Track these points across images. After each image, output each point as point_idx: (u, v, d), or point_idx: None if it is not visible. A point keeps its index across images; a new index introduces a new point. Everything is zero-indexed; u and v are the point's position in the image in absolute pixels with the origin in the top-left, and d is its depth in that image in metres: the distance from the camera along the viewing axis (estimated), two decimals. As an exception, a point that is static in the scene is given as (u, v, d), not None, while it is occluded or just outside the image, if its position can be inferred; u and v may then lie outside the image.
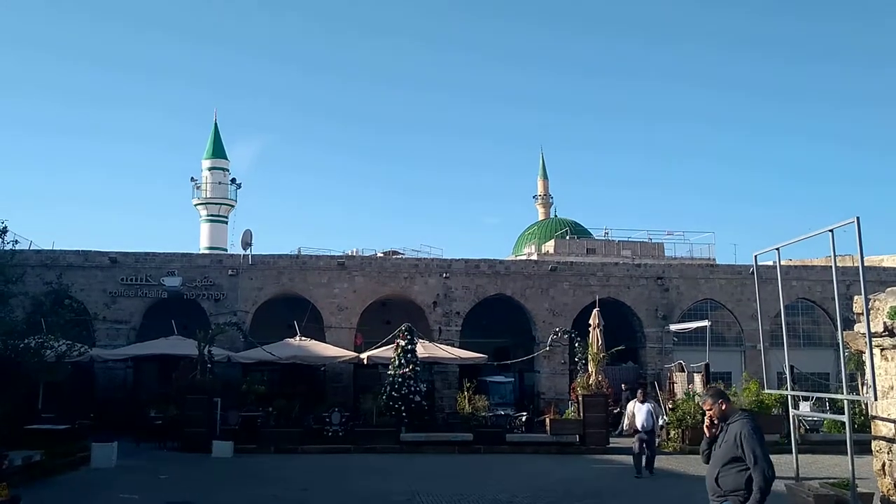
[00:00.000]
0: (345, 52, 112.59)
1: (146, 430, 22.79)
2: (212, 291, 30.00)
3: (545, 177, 64.28)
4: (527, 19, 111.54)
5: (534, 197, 64.25)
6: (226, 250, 46.27)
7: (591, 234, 47.93)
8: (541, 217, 60.49)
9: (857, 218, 8.65)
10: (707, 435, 6.53)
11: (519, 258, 43.25)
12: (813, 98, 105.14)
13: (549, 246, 44.61)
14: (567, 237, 45.53)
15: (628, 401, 20.11)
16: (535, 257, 42.26)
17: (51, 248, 30.26)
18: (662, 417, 20.66)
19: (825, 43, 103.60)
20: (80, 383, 25.51)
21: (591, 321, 24.21)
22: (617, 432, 22.99)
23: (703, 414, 6.65)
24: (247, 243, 31.63)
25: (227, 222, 52.54)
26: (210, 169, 52.14)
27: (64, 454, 17.27)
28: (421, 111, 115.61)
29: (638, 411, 17.58)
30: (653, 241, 44.95)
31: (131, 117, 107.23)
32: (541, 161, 64.99)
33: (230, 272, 30.19)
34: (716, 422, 6.49)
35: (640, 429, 17.25)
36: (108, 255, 29.92)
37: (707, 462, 6.53)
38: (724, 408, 6.49)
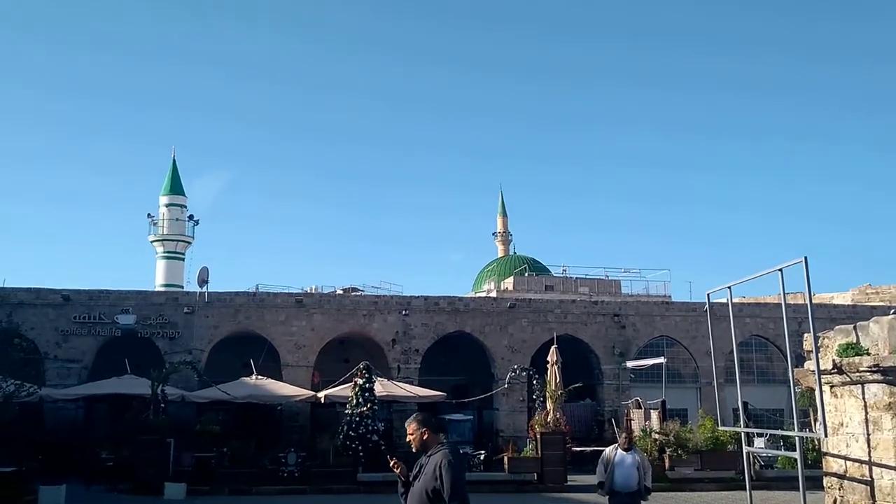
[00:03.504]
0: (305, 106, 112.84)
1: (97, 471, 22.21)
2: (167, 329, 29.53)
3: (504, 214, 64.84)
4: (482, 68, 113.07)
5: (493, 234, 64.71)
6: (182, 287, 45.63)
7: (549, 271, 48.28)
8: (500, 254, 60.81)
9: (805, 258, 8.85)
10: (398, 472, 6.11)
11: (478, 295, 43.37)
12: (771, 137, 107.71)
13: (508, 283, 44.83)
14: (525, 274, 45.80)
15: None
16: (494, 294, 42.41)
17: (1, 285, 29.63)
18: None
19: (781, 80, 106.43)
20: (28, 424, 24.81)
21: (549, 358, 24.31)
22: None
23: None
24: (203, 280, 31.26)
25: (183, 259, 51.88)
26: (167, 205, 51.56)
27: (10, 498, 16.74)
28: (384, 155, 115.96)
29: (619, 464, 11.96)
30: (609, 278, 45.47)
31: (87, 151, 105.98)
32: (500, 198, 65.63)
33: (186, 310, 29.77)
34: (415, 450, 6.09)
35: (617, 489, 11.85)
36: (60, 293, 29.34)
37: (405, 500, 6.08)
38: (425, 437, 6.04)
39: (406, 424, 6.17)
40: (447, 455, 5.86)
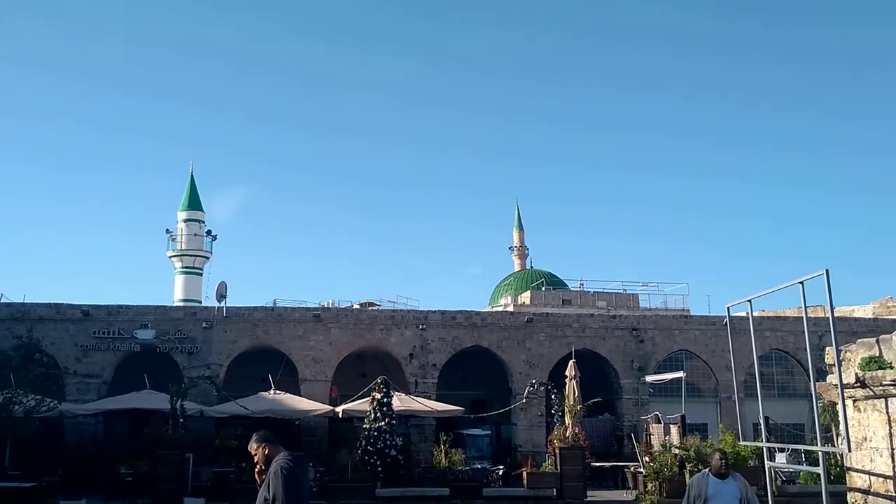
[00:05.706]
0: (322, 109, 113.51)
1: (116, 486, 22.28)
2: (185, 344, 29.68)
3: (521, 228, 64.83)
4: (502, 72, 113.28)
5: (510, 248, 64.67)
6: (200, 303, 45.92)
7: (566, 285, 48.18)
8: (517, 268, 60.75)
9: (827, 271, 8.75)
10: (259, 482, 6.12)
11: (495, 309, 43.31)
12: (790, 146, 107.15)
13: (526, 297, 44.74)
14: (543, 288, 45.70)
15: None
16: (511, 308, 42.34)
17: (22, 300, 29.88)
18: None
19: (803, 87, 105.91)
20: (48, 439, 25.00)
21: (567, 373, 24.20)
22: None
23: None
24: (221, 295, 31.41)
25: (202, 274, 52.20)
26: (185, 220, 51.97)
27: (31, 513, 16.86)
28: (400, 166, 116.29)
29: (714, 496, 9.37)
30: (627, 292, 45.31)
31: (105, 168, 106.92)
32: (516, 212, 65.61)
33: (204, 325, 29.92)
34: (263, 467, 6.12)
35: None
36: (80, 308, 29.55)
37: None
38: (267, 452, 6.08)
39: (248, 448, 6.17)
40: (279, 464, 5.93)
